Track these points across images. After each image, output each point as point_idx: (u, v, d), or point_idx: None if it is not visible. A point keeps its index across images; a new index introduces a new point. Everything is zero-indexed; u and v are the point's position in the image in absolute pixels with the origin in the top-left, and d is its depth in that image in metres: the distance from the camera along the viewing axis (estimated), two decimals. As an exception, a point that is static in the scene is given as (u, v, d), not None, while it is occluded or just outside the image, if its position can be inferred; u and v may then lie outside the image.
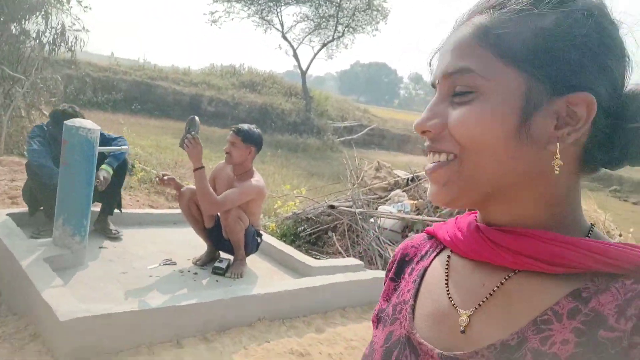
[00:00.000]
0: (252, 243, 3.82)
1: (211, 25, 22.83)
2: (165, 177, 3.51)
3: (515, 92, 0.53)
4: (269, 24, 23.05)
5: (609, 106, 0.54)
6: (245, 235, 3.72)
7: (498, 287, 0.57)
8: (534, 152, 0.53)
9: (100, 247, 3.76)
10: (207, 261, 3.84)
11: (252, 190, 3.60)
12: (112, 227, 4.02)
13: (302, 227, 5.32)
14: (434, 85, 0.60)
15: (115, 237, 3.97)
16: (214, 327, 2.97)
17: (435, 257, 0.69)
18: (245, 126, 3.73)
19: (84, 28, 10.07)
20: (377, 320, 0.73)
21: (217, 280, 3.56)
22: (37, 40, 8.30)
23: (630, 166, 0.57)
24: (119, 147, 3.70)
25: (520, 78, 0.53)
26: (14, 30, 7.92)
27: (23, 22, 8.14)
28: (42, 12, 8.57)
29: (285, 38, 23.02)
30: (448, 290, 0.63)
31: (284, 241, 4.94)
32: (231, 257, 3.82)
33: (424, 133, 0.59)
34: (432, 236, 0.74)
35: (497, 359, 0.52)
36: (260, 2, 22.03)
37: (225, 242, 3.78)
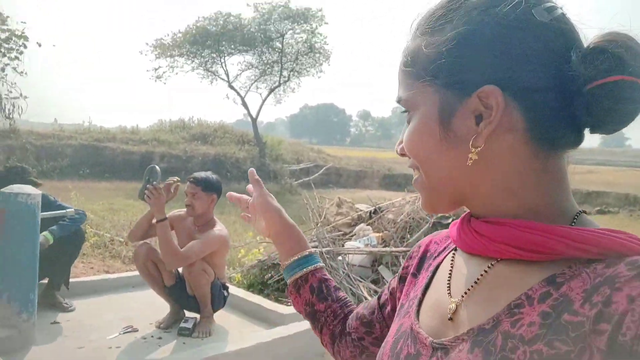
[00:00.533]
0: (219, 297, 3.61)
1: (156, 81, 22.69)
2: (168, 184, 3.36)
3: (433, 105, 0.59)
4: (215, 74, 23.11)
5: (542, 83, 0.55)
6: (211, 289, 3.51)
7: (482, 275, 0.60)
8: (467, 150, 0.57)
9: (52, 323, 3.44)
10: (172, 323, 3.58)
11: (216, 241, 3.42)
12: (60, 299, 3.71)
13: (269, 274, 5.11)
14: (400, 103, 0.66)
15: (67, 310, 3.66)
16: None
17: (448, 253, 0.73)
18: (203, 174, 3.59)
19: (21, 95, 9.76)
20: (396, 315, 0.77)
21: (184, 343, 3.31)
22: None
23: (603, 130, 0.57)
24: (64, 211, 3.46)
25: (435, 91, 0.58)
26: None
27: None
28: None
29: (232, 87, 23.09)
30: (449, 283, 0.67)
31: (252, 291, 4.72)
32: (197, 316, 3.58)
33: (402, 155, 0.65)
34: None
35: (474, 342, 0.55)
36: (203, 54, 22.15)
37: (189, 299, 3.56)
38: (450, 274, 0.68)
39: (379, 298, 0.89)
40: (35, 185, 3.52)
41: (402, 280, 0.83)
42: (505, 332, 0.52)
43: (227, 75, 23.03)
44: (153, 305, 3.76)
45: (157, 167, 3.26)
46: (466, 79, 0.56)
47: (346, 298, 0.96)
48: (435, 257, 0.77)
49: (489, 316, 0.55)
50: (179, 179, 3.48)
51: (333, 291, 0.95)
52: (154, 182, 3.17)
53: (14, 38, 9.53)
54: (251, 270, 5.27)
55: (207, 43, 21.67)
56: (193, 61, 22.28)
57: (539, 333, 0.49)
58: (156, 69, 22.42)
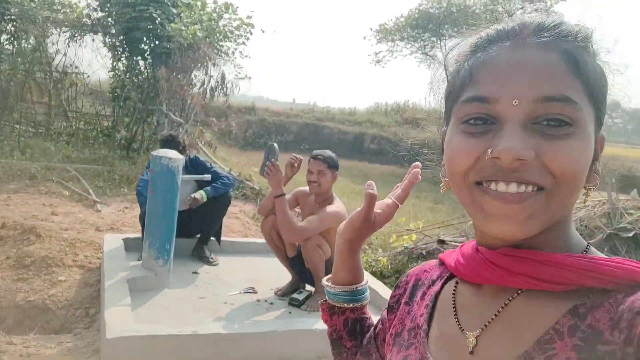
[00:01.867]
0: (334, 276, 3.62)
1: (375, 65, 23.48)
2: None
3: (592, 129, 0.55)
4: (433, 59, 22.78)
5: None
6: (325, 267, 3.55)
7: (502, 307, 0.59)
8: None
9: (194, 272, 3.94)
10: (289, 292, 3.75)
11: (332, 217, 3.45)
12: (207, 254, 4.20)
13: (415, 265, 4.91)
14: (486, 100, 0.56)
15: (211, 264, 4.14)
16: (267, 359, 2.84)
17: (445, 283, 0.72)
18: (327, 152, 3.63)
19: (246, 76, 11.12)
20: (394, 345, 0.74)
21: (290, 312, 3.44)
22: (201, 89, 9.39)
23: None
24: (201, 176, 3.90)
25: (593, 115, 0.56)
26: (183, 81, 9.10)
27: (190, 74, 9.33)
28: (209, 64, 9.73)
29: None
30: (455, 314, 0.65)
31: (397, 277, 4.61)
32: (313, 289, 3.67)
33: (515, 161, 0.53)
34: (442, 262, 0.76)
35: None
36: (423, 38, 22.01)
37: (307, 272, 3.66)
38: (454, 304, 0.67)
39: (374, 328, 0.88)
40: (184, 152, 4.03)
41: (390, 309, 0.82)
42: None
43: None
44: (281, 273, 3.98)
45: (275, 144, 3.40)
46: (603, 116, 0.58)
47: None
48: (430, 285, 0.75)
49: (517, 352, 0.54)
50: (301, 157, 3.57)
51: (365, 331, 0.89)
52: (273, 159, 3.30)
53: (243, 26, 10.92)
54: (398, 256, 5.14)
55: (428, 27, 21.45)
56: (412, 45, 22.34)
57: None
58: (377, 53, 23.16)
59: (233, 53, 10.90)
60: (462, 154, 0.57)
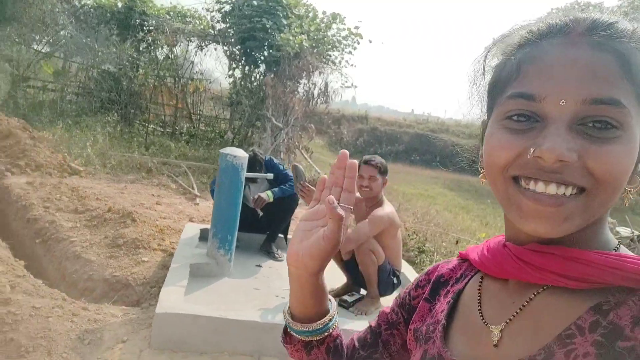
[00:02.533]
0: (387, 281, 3.63)
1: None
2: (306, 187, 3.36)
3: (639, 134, 0.54)
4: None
5: None
6: (378, 272, 3.57)
7: (527, 302, 0.60)
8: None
9: (257, 265, 4.18)
10: (342, 294, 3.82)
11: (382, 220, 3.47)
12: (274, 249, 4.42)
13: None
14: (533, 98, 0.55)
15: (276, 259, 4.35)
16: (298, 354, 2.95)
17: (469, 279, 0.73)
18: (378, 158, 3.65)
19: (352, 84, 11.35)
20: (415, 340, 0.76)
21: (336, 313, 3.49)
22: (305, 96, 9.80)
23: None
24: (264, 175, 4.10)
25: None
26: (287, 88, 9.58)
27: (295, 82, 9.78)
28: (314, 73, 10.13)
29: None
30: (480, 309, 0.66)
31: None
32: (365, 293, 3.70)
33: (558, 162, 0.53)
34: (465, 259, 0.77)
35: None
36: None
37: (361, 276, 3.71)
38: (479, 300, 0.67)
39: (387, 321, 0.87)
40: (261, 168, 4.30)
41: (403, 306, 0.83)
42: None
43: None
44: (340, 274, 4.06)
45: (299, 166, 3.44)
46: None
47: (354, 345, 0.88)
48: (453, 283, 0.76)
49: (538, 346, 0.55)
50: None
51: (346, 347, 0.86)
52: (302, 181, 3.38)
53: (351, 36, 11.18)
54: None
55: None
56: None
57: None
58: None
59: (340, 62, 11.21)
60: (504, 150, 0.57)
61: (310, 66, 9.29)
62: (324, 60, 10.71)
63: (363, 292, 3.79)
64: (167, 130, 12.00)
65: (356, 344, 0.88)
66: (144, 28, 12.09)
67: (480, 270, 0.69)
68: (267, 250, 4.45)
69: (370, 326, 0.89)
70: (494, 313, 0.64)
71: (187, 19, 12.51)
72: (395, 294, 3.69)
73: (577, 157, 0.52)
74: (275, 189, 4.31)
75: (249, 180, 4.29)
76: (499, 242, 0.65)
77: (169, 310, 2.86)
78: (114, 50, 11.11)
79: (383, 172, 3.55)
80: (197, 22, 12.38)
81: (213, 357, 2.88)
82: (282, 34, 9.68)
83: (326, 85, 9.97)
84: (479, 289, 0.69)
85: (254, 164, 4.31)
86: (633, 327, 0.49)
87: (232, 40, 11.07)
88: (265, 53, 10.60)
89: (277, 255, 4.40)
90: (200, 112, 12.83)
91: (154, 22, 11.73)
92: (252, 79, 11.14)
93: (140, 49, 12.20)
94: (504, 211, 0.60)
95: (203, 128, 12.63)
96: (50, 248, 4.71)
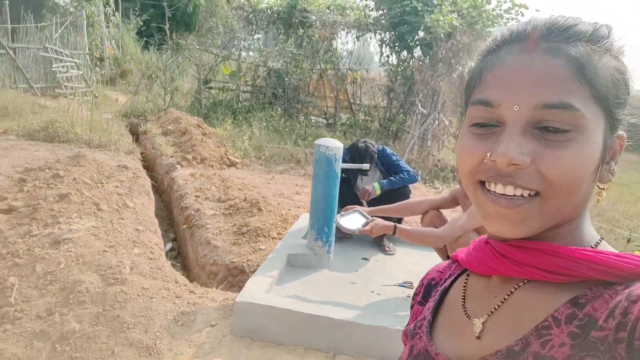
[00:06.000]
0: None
1: None
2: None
3: (600, 133, 0.55)
4: None
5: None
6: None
7: (508, 295, 0.63)
8: (594, 185, 0.59)
9: (363, 259, 4.05)
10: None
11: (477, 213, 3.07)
12: (385, 243, 4.23)
13: None
14: (490, 104, 0.58)
15: (386, 253, 4.17)
16: (374, 355, 2.78)
17: (456, 278, 0.77)
18: None
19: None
20: (406, 338, 0.80)
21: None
22: (458, 79, 9.18)
23: None
24: (359, 165, 3.89)
25: (602, 119, 0.55)
26: (436, 72, 9.10)
27: (447, 65, 9.24)
28: (465, 53, 9.43)
29: None
30: (464, 304, 0.70)
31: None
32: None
33: (510, 166, 0.56)
34: (455, 261, 0.81)
35: None
36: None
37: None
38: (464, 295, 0.71)
39: None
40: (372, 160, 4.16)
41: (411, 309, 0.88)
42: (535, 354, 0.54)
43: None
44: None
45: (338, 220, 3.15)
46: (620, 117, 0.57)
47: None
48: (442, 284, 0.80)
49: (516, 337, 0.57)
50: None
51: None
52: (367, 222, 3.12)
53: (514, 7, 10.15)
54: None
55: None
56: None
57: (570, 353, 0.51)
58: None
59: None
60: (469, 155, 0.60)
61: (462, 46, 8.66)
62: (485, 38, 9.88)
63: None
64: (330, 121, 12.41)
65: None
66: (305, 24, 12.64)
67: (467, 269, 0.73)
68: (378, 243, 4.29)
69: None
70: (477, 307, 0.67)
71: (347, 11, 12.72)
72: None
73: (529, 161, 0.54)
74: (384, 181, 4.13)
75: (359, 171, 4.18)
76: (483, 240, 0.68)
77: (248, 299, 2.93)
78: (276, 48, 11.85)
79: None
80: (355, 13, 12.50)
81: (288, 350, 2.88)
82: (432, 15, 9.21)
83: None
84: (464, 286, 0.72)
85: (365, 155, 4.18)
86: (607, 318, 0.50)
87: (384, 26, 10.91)
88: (416, 37, 10.21)
89: (387, 249, 4.21)
90: (360, 102, 12.97)
91: (314, 17, 12.19)
92: (406, 64, 10.85)
93: (303, 44, 12.80)
94: (477, 213, 0.63)
95: (363, 117, 12.76)
96: (193, 233, 5.23)
